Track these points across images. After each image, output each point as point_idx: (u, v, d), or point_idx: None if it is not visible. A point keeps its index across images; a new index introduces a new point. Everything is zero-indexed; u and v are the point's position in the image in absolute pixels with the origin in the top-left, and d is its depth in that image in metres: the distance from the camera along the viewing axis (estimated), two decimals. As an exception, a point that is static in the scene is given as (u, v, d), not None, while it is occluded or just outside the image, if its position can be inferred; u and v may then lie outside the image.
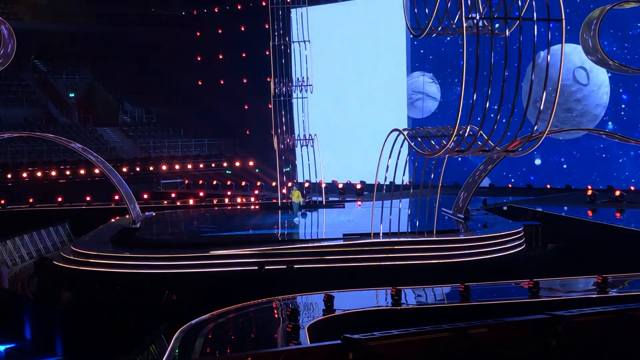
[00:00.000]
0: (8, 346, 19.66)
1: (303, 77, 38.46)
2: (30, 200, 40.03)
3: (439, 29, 22.95)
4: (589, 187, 36.98)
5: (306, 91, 38.95)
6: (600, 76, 39.78)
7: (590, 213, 32.06)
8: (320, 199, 37.71)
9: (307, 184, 40.34)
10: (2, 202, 39.62)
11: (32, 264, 27.14)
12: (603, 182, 38.60)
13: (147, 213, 36.07)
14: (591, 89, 39.97)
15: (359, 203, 38.99)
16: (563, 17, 21.01)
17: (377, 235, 26.43)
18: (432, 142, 23.91)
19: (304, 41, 38.92)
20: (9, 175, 44.99)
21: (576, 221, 30.03)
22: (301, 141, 38.83)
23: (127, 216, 33.87)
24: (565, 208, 33.04)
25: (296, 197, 32.86)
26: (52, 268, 24.96)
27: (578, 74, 39.91)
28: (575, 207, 33.43)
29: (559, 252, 27.40)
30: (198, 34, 55.01)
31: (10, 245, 29.20)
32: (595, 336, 7.15)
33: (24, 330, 20.92)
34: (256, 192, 45.21)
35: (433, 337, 6.52)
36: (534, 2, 20.66)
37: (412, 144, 24.38)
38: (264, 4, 41.43)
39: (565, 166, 40.64)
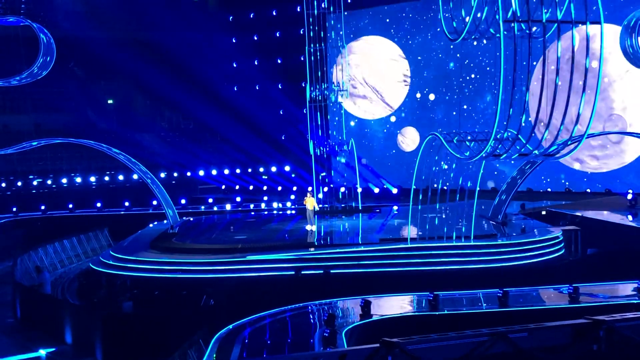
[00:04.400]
0: (49, 350, 19.89)
1: (339, 82, 38.56)
2: (70, 205, 40.53)
3: (476, 33, 22.87)
4: (630, 192, 36.44)
5: (342, 96, 39.02)
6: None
7: (630, 218, 31.59)
8: (356, 204, 37.67)
9: (342, 189, 40.34)
10: (42, 207, 40.15)
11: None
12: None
13: (184, 218, 36.32)
14: (618, 150, 37.89)
15: (395, 208, 38.88)
16: (602, 21, 20.84)
17: (413, 240, 26.30)
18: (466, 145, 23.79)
19: (340, 46, 38.99)
20: (49, 181, 45.61)
21: (616, 226, 29.61)
22: (337, 146, 38.85)
23: (165, 221, 34.12)
24: (605, 213, 32.56)
25: (311, 204, 32.63)
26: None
27: (611, 123, 37.48)
28: (616, 211, 32.94)
29: (598, 257, 27.04)
30: (234, 40, 55.29)
31: (50, 251, 29.56)
32: (638, 341, 7.05)
33: (65, 334, 21.17)
34: (292, 197, 45.28)
35: (473, 342, 6.49)
36: (572, 5, 20.50)
37: (450, 148, 24.25)
38: (299, 9, 41.56)
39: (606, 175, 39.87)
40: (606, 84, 36.35)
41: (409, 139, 46.06)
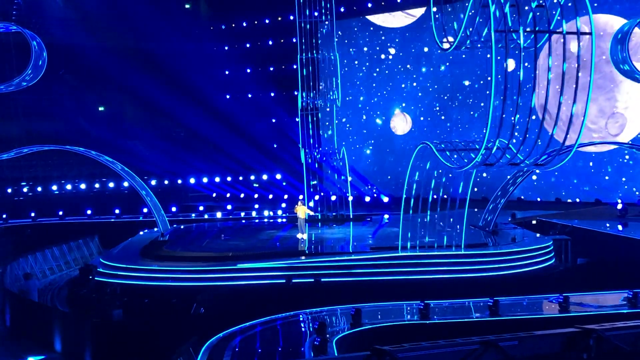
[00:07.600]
0: (38, 358, 19.80)
1: (330, 91, 38.64)
2: (60, 212, 40.40)
3: (467, 42, 22.96)
4: (619, 201, 36.57)
5: (333, 104, 39.08)
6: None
7: (620, 227, 31.70)
8: (347, 212, 37.67)
9: (333, 197, 40.32)
10: (32, 214, 40.02)
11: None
12: (633, 197, 38.07)
13: (175, 226, 36.25)
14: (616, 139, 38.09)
15: (387, 217, 38.89)
16: (593, 31, 20.94)
17: (404, 248, 26.32)
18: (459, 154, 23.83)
19: (331, 55, 39.06)
20: (39, 189, 45.49)
21: (606, 235, 29.70)
22: (328, 154, 38.90)
23: (156, 229, 34.04)
24: (595, 222, 32.64)
25: (302, 212, 32.58)
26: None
27: (612, 119, 38.55)
28: (605, 221, 33.05)
29: (588, 266, 27.12)
30: (226, 48, 55.35)
31: (39, 258, 29.44)
32: (627, 350, 7.08)
33: (54, 342, 21.07)
34: (283, 205, 45.26)
35: (463, 350, 6.49)
36: (564, 15, 20.60)
37: (441, 157, 24.30)
38: (291, 18, 41.65)
39: (595, 185, 39.92)
40: (613, 84, 37.01)
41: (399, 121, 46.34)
